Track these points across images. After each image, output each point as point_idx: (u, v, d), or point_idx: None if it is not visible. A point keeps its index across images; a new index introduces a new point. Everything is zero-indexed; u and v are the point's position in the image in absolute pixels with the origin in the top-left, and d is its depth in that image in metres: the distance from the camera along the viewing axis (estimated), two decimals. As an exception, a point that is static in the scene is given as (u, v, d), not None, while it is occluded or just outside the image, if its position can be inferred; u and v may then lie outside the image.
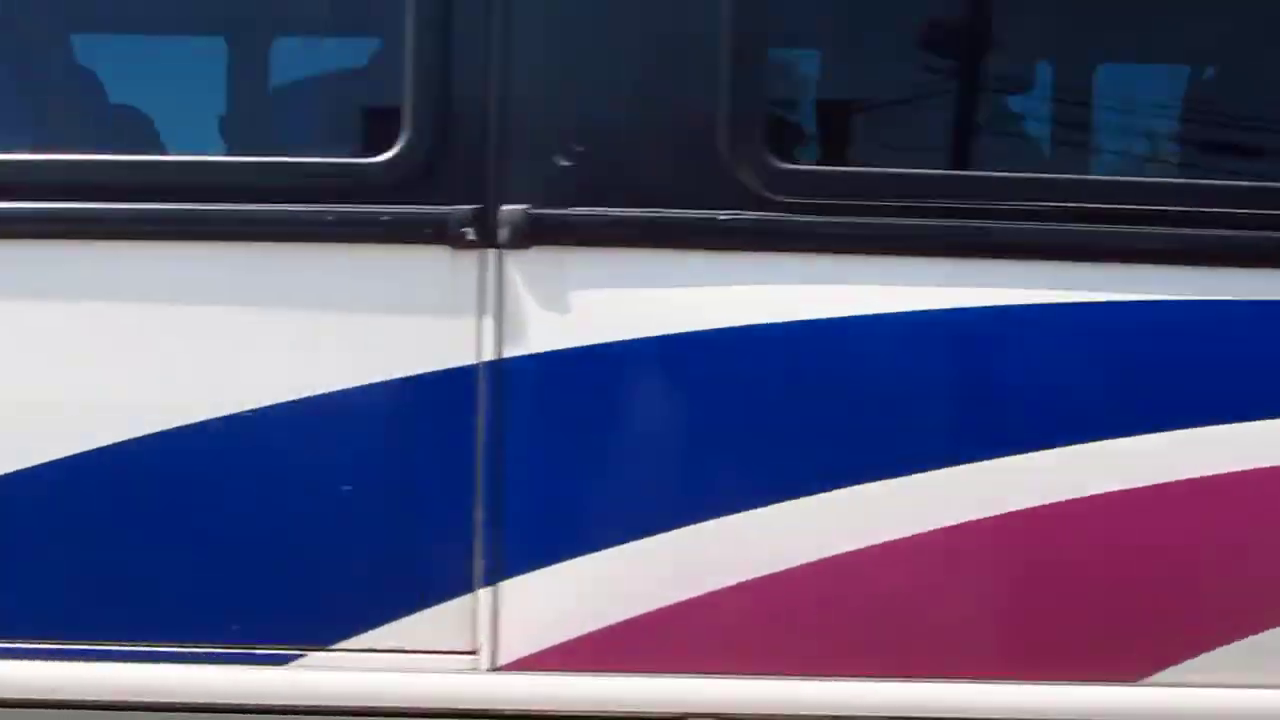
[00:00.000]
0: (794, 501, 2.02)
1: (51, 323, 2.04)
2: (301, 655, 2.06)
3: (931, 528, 2.01)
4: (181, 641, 2.05)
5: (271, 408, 2.03)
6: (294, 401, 2.04)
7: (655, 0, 2.06)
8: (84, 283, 2.04)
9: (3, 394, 2.04)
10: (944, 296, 2.01)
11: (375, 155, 2.06)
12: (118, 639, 2.05)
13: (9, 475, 2.03)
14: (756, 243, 2.03)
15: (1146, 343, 2.03)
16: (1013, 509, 2.01)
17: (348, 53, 2.27)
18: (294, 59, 2.32)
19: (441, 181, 2.03)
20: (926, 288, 2.00)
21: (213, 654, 2.05)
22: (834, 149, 2.40)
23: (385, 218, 2.03)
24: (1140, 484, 1.99)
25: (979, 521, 2.01)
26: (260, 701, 2.05)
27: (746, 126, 2.03)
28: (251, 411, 2.03)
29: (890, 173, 2.11)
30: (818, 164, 2.17)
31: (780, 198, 2.01)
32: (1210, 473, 1.99)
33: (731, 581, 2.02)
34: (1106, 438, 1.99)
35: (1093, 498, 1.99)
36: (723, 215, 2.02)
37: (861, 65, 2.41)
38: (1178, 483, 1.99)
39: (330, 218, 2.03)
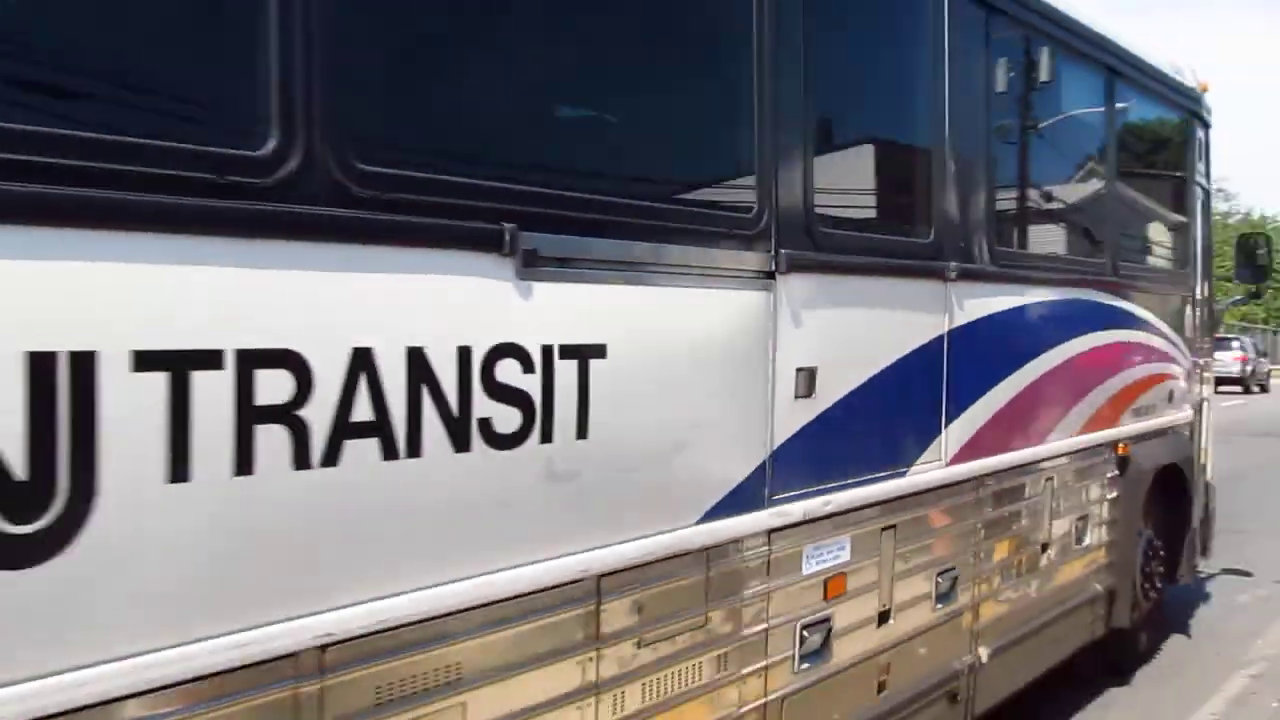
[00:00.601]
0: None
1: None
2: (905, 473, 4.51)
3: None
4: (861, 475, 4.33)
5: (896, 361, 4.43)
6: (906, 354, 4.46)
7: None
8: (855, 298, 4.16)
9: (852, 355, 4.07)
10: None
11: (921, 236, 4.56)
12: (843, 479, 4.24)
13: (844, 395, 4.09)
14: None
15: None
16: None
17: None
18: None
19: (943, 251, 4.62)
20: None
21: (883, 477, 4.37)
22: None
23: (936, 267, 4.56)
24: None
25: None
26: (901, 494, 4.45)
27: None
28: (898, 360, 4.40)
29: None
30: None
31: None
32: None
33: (1008, 399, 5.07)
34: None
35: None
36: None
37: None
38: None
39: (930, 269, 4.48)
